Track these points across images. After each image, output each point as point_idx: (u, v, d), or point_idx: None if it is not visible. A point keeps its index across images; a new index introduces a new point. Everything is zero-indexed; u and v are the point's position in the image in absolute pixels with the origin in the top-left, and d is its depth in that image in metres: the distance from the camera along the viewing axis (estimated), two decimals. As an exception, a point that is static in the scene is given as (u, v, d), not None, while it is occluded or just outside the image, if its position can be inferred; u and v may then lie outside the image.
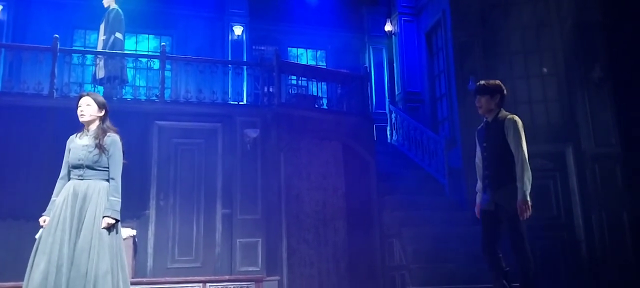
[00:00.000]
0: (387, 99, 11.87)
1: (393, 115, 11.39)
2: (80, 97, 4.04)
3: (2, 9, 9.61)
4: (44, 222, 3.83)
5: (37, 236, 3.83)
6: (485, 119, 4.47)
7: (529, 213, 4.08)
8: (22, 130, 7.25)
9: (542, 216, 7.81)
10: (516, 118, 4.32)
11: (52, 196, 3.93)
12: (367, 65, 11.46)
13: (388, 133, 11.39)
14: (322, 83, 10.14)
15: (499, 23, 9.59)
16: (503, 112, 4.41)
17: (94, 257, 3.67)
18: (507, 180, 4.22)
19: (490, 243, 4.30)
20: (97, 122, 3.98)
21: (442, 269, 7.33)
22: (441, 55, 10.94)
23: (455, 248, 7.70)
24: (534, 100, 9.41)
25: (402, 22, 12.00)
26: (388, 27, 12.28)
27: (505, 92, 4.44)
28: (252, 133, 8.26)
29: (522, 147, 4.20)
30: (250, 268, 7.57)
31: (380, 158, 9.23)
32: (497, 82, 4.47)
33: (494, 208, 4.29)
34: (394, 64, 12.10)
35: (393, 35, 12.23)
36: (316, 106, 9.57)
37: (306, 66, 11.11)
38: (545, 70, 9.37)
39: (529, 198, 4.08)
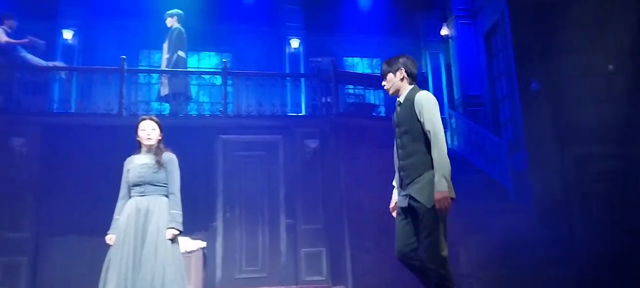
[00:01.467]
0: (446, 104, 11.70)
1: (452, 119, 11.23)
2: (142, 120, 4.30)
3: (73, 35, 10.14)
4: (111, 240, 4.06)
5: (108, 252, 4.06)
6: (397, 100, 3.79)
7: (447, 207, 3.37)
8: (94, 148, 7.62)
9: (610, 220, 7.50)
10: (428, 93, 3.63)
11: (115, 215, 4.18)
12: (424, 70, 11.36)
13: (448, 138, 11.22)
14: (379, 91, 10.11)
15: (559, 21, 9.26)
16: (415, 90, 3.68)
17: (160, 267, 3.88)
18: (422, 169, 3.51)
19: (404, 247, 3.60)
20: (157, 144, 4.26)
21: (511, 277, 7.14)
22: (501, 56, 10.70)
23: (523, 255, 7.50)
24: (600, 99, 9.02)
25: (459, 25, 11.84)
26: (444, 31, 12.13)
27: (410, 64, 3.74)
28: (312, 143, 8.35)
29: (436, 127, 3.48)
30: (316, 278, 7.64)
31: (440, 164, 9.08)
32: (400, 55, 3.80)
33: (407, 205, 3.56)
34: (452, 68, 11.94)
35: (449, 39, 12.07)
36: (374, 114, 9.56)
37: (362, 74, 11.15)
38: (611, 67, 8.97)
39: (449, 190, 3.38)
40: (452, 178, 9.07)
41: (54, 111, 8.33)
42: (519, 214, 8.46)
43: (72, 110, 8.44)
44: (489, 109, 11.07)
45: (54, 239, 7.29)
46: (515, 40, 9.55)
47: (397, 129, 3.71)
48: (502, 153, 9.39)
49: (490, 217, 8.21)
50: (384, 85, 3.78)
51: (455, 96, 11.67)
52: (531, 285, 6.89)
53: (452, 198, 3.41)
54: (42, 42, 8.65)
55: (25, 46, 8.31)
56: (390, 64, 3.74)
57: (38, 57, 8.43)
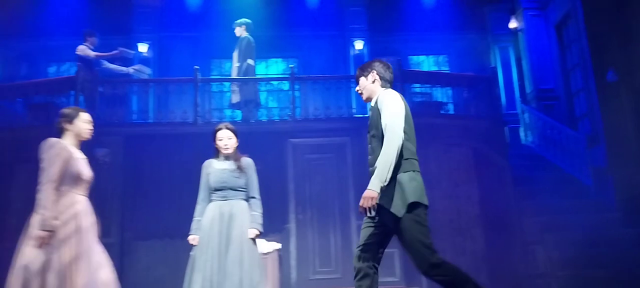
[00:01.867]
0: (517, 99, 11.37)
1: (525, 115, 10.89)
2: (219, 130, 4.44)
3: (148, 48, 10.66)
4: (194, 240, 4.24)
5: (191, 253, 4.25)
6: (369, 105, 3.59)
7: (367, 208, 3.12)
8: (173, 155, 7.99)
9: None
10: (391, 91, 3.40)
11: (195, 216, 4.34)
12: (493, 65, 11.09)
13: (521, 134, 10.89)
14: (447, 88, 9.97)
15: (638, 8, 8.80)
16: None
17: (247, 268, 4.05)
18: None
19: (362, 251, 3.37)
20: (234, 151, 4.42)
21: (592, 276, 6.86)
22: (574, 47, 10.29)
23: (605, 253, 7.19)
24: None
25: (528, 17, 11.46)
26: (513, 24, 11.78)
27: (382, 67, 3.53)
28: (380, 144, 8.34)
29: (391, 123, 3.22)
30: (389, 279, 7.63)
31: (514, 161, 8.86)
32: (374, 60, 3.63)
33: (375, 212, 3.25)
34: (522, 62, 11.58)
35: (519, 32, 11.72)
36: (442, 112, 9.43)
37: (429, 73, 11.02)
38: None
39: (378, 191, 3.10)
40: (527, 175, 8.78)
41: (134, 121, 8.77)
42: (601, 212, 8.11)
43: (151, 120, 8.85)
44: (563, 103, 10.67)
45: (139, 243, 7.70)
46: (589, 30, 9.14)
47: (368, 134, 3.52)
48: (579, 148, 9.02)
49: (569, 215, 7.93)
50: (357, 90, 3.61)
51: (527, 90, 11.31)
52: (614, 287, 6.58)
53: (420, 204, 3.18)
54: (131, 52, 9.18)
55: (114, 57, 8.83)
56: (363, 69, 3.59)
57: (122, 66, 8.94)
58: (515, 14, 11.76)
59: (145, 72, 9.33)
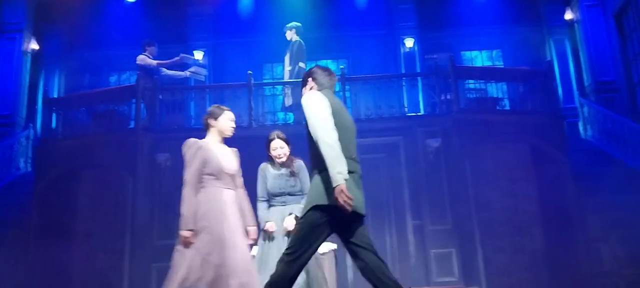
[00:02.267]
0: (575, 92, 11.00)
1: (584, 108, 10.52)
2: (272, 140, 4.63)
3: (203, 54, 10.96)
4: (271, 226, 4.45)
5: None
6: None
7: (347, 202, 2.95)
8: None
9: None
10: (312, 92, 3.31)
11: (259, 211, 4.53)
12: (549, 58, 10.80)
13: (580, 129, 10.53)
14: (502, 83, 9.79)
15: None
16: None
17: (314, 269, 4.22)
18: (312, 173, 3.25)
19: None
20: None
21: (663, 275, 6.60)
22: (635, 36, 9.91)
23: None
24: None
25: (584, 7, 11.08)
26: (568, 16, 11.42)
27: (320, 73, 3.43)
28: (434, 143, 8.29)
29: (314, 122, 3.12)
30: (447, 279, 7.58)
31: (574, 157, 8.59)
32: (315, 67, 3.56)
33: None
34: (580, 54, 11.20)
35: (575, 23, 11.34)
36: (497, 108, 9.26)
37: (482, 68, 10.85)
38: None
39: (340, 182, 2.95)
40: (588, 171, 8.52)
41: (192, 126, 9.02)
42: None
43: (208, 125, 9.04)
44: (625, 95, 10.25)
45: (199, 245, 7.91)
46: (652, 18, 8.78)
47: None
48: (643, 141, 8.67)
49: (635, 211, 7.63)
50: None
51: (586, 83, 10.93)
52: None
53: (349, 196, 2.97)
54: (192, 57, 9.47)
55: (175, 64, 9.14)
56: (304, 78, 3.54)
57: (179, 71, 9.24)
58: (570, 5, 11.40)
59: (202, 73, 9.59)
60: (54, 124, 8.76)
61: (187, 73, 9.32)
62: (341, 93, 8.88)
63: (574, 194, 7.95)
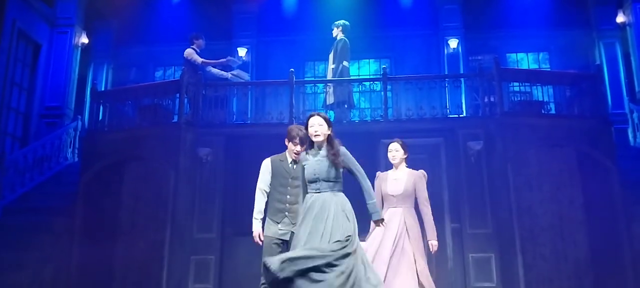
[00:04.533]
0: (625, 97, 10.63)
1: (634, 114, 10.15)
2: (311, 117, 4.35)
3: (246, 52, 11.12)
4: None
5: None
6: None
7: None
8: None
9: None
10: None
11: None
12: (598, 62, 10.47)
13: (629, 135, 10.17)
14: (548, 87, 9.53)
15: None
16: None
17: (358, 261, 3.97)
18: None
19: None
20: (325, 139, 4.28)
21: None
22: (692, 41, 9.49)
23: None
24: None
25: (637, 10, 10.71)
26: (620, 19, 11.06)
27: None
28: (476, 145, 8.14)
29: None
30: (485, 284, 7.44)
31: (622, 163, 8.29)
32: None
33: None
34: (631, 58, 10.82)
35: (627, 27, 10.97)
36: (543, 112, 9.03)
37: (528, 71, 10.63)
38: None
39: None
40: (637, 178, 8.19)
41: (234, 122, 9.15)
42: None
43: (249, 121, 9.17)
44: (679, 100, 9.86)
45: (238, 239, 8.00)
46: None
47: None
48: (698, 150, 8.30)
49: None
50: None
51: (637, 89, 10.55)
52: None
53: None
54: (238, 61, 9.59)
55: (221, 65, 9.28)
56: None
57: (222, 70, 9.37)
58: (622, 7, 11.03)
59: (244, 77, 9.70)
60: (100, 116, 8.99)
61: (229, 75, 9.44)
62: (382, 92, 8.83)
63: (621, 202, 7.67)
